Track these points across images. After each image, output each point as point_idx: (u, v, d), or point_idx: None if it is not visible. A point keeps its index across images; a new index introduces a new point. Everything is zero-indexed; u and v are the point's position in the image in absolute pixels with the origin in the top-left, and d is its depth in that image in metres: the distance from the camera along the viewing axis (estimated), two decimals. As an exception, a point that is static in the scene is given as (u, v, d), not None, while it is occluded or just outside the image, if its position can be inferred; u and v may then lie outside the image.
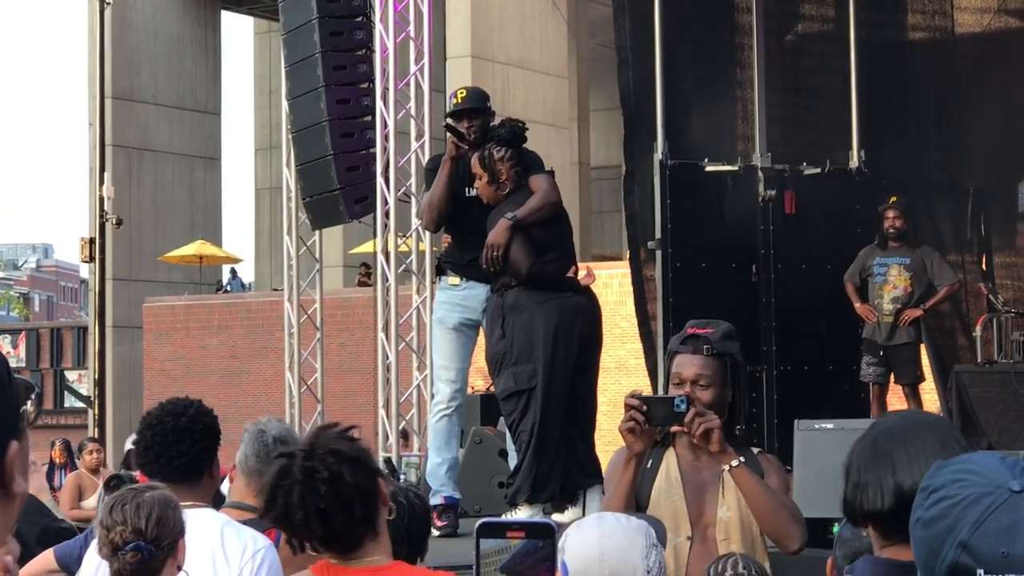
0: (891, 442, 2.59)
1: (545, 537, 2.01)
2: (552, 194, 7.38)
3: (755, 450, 4.17)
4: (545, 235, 7.29)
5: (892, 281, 11.07)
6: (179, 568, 3.69)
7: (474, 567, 2.01)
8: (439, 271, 8.25)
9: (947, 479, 1.94)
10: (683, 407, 3.83)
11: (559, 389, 7.11)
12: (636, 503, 3.99)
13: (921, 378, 11.36)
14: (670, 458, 4.08)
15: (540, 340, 7.09)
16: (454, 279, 8.00)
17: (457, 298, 7.99)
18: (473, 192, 7.69)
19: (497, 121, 7.77)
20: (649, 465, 4.08)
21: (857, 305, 11.18)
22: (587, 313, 7.30)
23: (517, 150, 7.42)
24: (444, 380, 8.08)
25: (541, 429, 7.04)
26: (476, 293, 7.89)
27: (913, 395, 11.25)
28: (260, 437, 4.67)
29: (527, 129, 7.56)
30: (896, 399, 11.86)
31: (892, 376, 11.19)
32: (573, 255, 7.56)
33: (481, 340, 8.00)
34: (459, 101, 8.06)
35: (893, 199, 11.26)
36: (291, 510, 3.00)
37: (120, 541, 3.62)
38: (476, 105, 8.04)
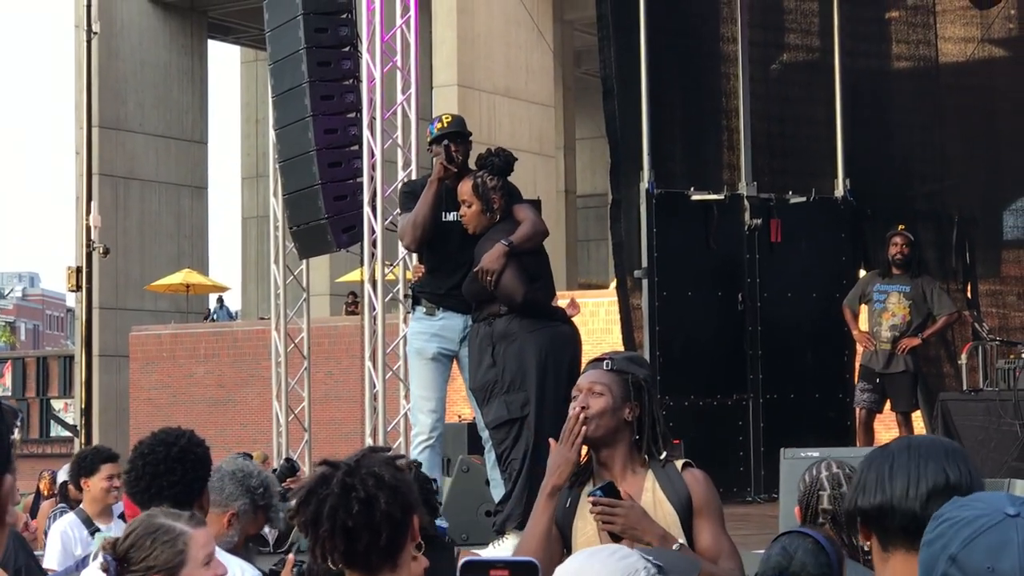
0: (901, 451, 2.52)
1: (530, 575, 2.02)
2: (540, 223, 7.47)
3: (679, 463, 4.11)
4: (533, 264, 7.36)
5: (891, 309, 11.09)
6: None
7: None
8: (414, 301, 8.23)
9: (953, 506, 2.03)
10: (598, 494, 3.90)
11: (551, 417, 7.11)
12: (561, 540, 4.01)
13: (916, 406, 11.38)
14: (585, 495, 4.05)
15: (532, 368, 7.14)
16: (430, 309, 7.98)
17: (434, 328, 7.94)
18: (451, 217, 7.70)
19: (484, 150, 7.78)
20: (568, 504, 4.08)
21: (856, 332, 11.20)
22: (575, 343, 7.37)
23: (505, 180, 7.47)
24: (425, 411, 8.00)
25: (534, 457, 7.02)
26: (453, 324, 7.87)
27: (906, 423, 11.27)
28: (216, 474, 4.73)
29: (516, 160, 7.62)
30: (883, 427, 11.89)
31: (888, 403, 11.21)
32: (554, 286, 7.62)
33: (455, 370, 8.01)
34: (444, 125, 8.04)
35: (901, 227, 11.28)
36: (319, 519, 2.98)
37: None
38: (462, 130, 8.06)
